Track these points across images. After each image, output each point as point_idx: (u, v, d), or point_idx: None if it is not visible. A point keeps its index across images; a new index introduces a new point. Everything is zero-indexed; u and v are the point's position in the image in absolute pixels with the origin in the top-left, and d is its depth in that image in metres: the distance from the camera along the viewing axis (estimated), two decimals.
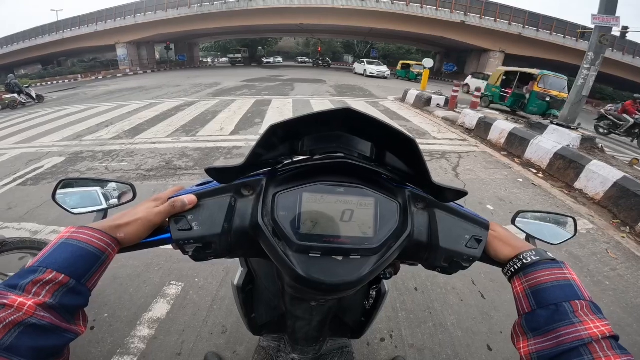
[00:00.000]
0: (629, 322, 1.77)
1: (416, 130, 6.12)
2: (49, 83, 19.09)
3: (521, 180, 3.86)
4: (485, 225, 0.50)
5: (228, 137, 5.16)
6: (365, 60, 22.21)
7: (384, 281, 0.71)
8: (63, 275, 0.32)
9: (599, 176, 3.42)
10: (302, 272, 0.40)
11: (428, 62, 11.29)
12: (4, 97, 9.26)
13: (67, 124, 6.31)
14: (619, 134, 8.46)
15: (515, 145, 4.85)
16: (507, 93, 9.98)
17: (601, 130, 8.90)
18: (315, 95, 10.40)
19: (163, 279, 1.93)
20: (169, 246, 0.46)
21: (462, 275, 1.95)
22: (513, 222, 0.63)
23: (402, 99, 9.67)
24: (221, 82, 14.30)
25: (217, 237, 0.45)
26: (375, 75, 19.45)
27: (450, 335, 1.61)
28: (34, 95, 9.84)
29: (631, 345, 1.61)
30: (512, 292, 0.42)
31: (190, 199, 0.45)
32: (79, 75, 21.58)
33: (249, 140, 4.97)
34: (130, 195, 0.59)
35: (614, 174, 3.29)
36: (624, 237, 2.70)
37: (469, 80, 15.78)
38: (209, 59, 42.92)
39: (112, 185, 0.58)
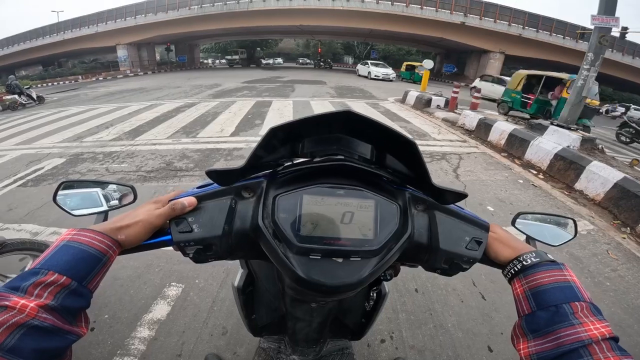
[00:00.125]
0: (630, 323, 1.77)
1: (416, 131, 6.12)
2: (50, 84, 19.14)
3: (521, 181, 3.86)
4: (485, 227, 0.50)
5: (228, 139, 5.16)
6: (369, 61, 21.07)
7: (384, 283, 0.71)
8: (65, 277, 0.32)
9: (599, 177, 3.42)
10: (303, 274, 0.40)
11: (428, 63, 11.28)
12: (4, 98, 9.28)
13: (68, 125, 6.32)
14: None
15: (515, 147, 4.85)
16: (529, 99, 8.87)
17: (623, 138, 8.53)
18: (315, 96, 10.42)
19: (163, 280, 1.93)
20: (170, 248, 0.46)
21: (463, 277, 1.95)
22: (513, 223, 0.63)
23: (402, 100, 9.68)
24: (221, 83, 14.33)
25: (217, 239, 0.45)
26: (380, 78, 18.61)
27: (451, 337, 1.61)
28: (35, 97, 9.87)
29: (632, 346, 1.61)
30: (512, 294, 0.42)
31: (189, 201, 0.46)
32: (80, 77, 21.65)
33: (249, 141, 4.98)
34: (131, 197, 0.59)
35: (615, 175, 3.29)
36: (624, 238, 2.70)
37: (478, 83, 14.14)
38: (210, 61, 43.01)
39: (113, 187, 0.59)
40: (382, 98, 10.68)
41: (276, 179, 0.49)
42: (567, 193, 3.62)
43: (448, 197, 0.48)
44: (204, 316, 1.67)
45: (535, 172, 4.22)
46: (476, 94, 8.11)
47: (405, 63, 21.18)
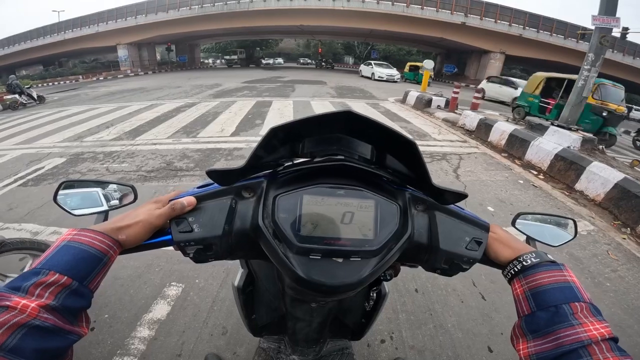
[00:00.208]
0: (630, 324, 1.77)
1: (417, 131, 6.12)
2: (50, 84, 19.18)
3: (522, 181, 3.86)
4: (485, 227, 0.50)
5: (229, 138, 5.16)
6: (373, 62, 20.47)
7: (384, 283, 0.72)
8: (65, 277, 0.32)
9: (599, 177, 3.42)
10: (303, 274, 0.40)
11: (429, 64, 11.29)
12: (5, 97, 9.29)
13: (68, 124, 6.33)
14: None
15: (515, 147, 4.85)
16: (548, 104, 8.30)
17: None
18: (315, 96, 10.41)
19: (163, 280, 1.93)
20: (170, 247, 0.46)
21: (463, 277, 1.95)
22: (513, 224, 0.63)
23: (403, 101, 9.68)
24: (222, 83, 14.33)
25: (217, 238, 0.45)
26: (384, 79, 17.94)
27: (451, 337, 1.61)
28: (35, 96, 9.88)
29: (632, 346, 1.61)
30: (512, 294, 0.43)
31: (189, 201, 0.46)
32: (80, 76, 21.69)
33: (250, 141, 4.98)
34: (131, 197, 0.59)
35: (615, 175, 3.29)
36: (624, 239, 2.70)
37: (485, 84, 13.54)
38: (210, 60, 43.04)
39: (113, 186, 0.59)
40: (383, 98, 10.68)
41: (276, 179, 0.49)
42: (567, 193, 3.61)
43: (448, 198, 0.48)
44: (204, 316, 1.67)
45: (535, 172, 4.21)
46: (476, 94, 8.08)
47: (408, 63, 20.52)
